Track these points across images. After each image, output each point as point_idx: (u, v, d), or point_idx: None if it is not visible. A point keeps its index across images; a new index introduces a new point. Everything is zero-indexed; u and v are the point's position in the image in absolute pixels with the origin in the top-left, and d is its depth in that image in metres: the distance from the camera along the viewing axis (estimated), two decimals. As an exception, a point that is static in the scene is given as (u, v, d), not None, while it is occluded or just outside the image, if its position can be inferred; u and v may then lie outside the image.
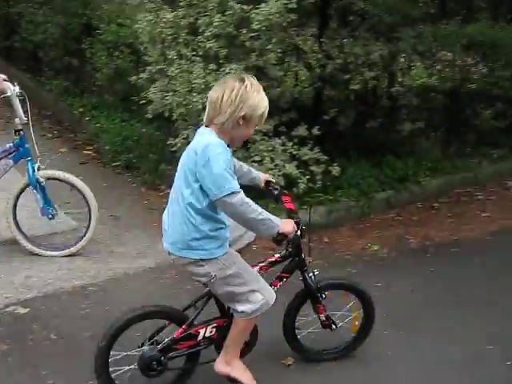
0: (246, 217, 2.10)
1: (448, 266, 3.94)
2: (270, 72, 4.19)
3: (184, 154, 2.25)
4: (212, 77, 3.94)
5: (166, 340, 2.34)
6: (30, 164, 3.62)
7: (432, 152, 5.65)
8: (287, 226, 2.20)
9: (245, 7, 3.87)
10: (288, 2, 3.82)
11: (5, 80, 3.54)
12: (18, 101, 3.53)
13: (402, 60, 5.31)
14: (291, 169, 4.13)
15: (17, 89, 3.55)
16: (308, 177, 4.29)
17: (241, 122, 2.12)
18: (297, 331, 2.70)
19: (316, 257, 3.97)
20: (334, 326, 2.68)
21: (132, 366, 2.37)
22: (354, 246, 4.28)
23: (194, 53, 4.17)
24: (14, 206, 3.70)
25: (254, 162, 4.02)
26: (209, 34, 4.00)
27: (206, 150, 2.07)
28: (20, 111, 3.54)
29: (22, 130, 3.61)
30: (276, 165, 4.10)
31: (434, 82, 5.85)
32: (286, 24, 4.02)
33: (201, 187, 2.12)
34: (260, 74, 3.93)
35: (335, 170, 4.36)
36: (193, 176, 2.12)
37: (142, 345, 2.37)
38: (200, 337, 2.38)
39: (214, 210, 2.18)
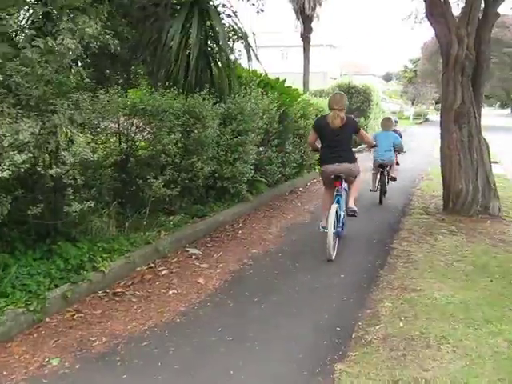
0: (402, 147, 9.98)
1: (142, 368, 3.65)
2: None
3: (382, 136, 9.23)
4: None
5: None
6: None
7: (107, 231, 5.40)
8: None
9: None
10: None
11: None
12: None
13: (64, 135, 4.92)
14: None
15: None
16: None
17: None
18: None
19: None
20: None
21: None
22: (30, 365, 3.61)
23: None
24: None
25: None
26: None
27: (396, 134, 9.72)
28: None
29: None
30: None
31: (100, 154, 5.65)
32: None
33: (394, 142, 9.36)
34: None
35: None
36: (392, 141, 9.26)
37: None
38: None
39: None
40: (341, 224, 6.43)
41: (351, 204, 6.28)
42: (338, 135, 6.09)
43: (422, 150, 18.30)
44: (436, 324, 4.24)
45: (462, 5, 10.45)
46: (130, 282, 5.12)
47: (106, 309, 4.54)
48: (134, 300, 4.75)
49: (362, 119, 18.57)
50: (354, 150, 6.64)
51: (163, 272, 5.45)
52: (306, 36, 20.96)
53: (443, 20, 7.86)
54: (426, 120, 48.54)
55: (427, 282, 5.22)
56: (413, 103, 53.80)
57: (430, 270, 5.59)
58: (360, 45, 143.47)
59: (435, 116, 55.07)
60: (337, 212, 6.10)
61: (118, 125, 6.01)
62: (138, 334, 4.10)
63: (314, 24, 20.92)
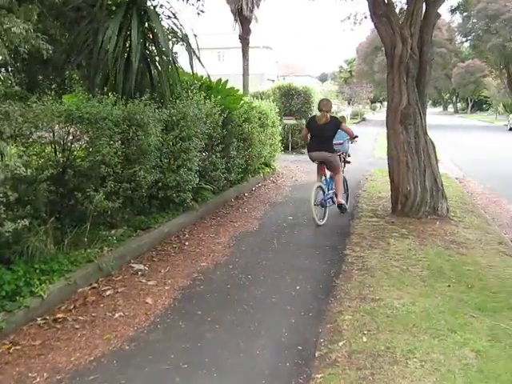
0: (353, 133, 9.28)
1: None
2: None
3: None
4: None
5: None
6: None
7: (45, 250, 4.96)
8: None
9: None
10: None
11: None
12: None
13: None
14: None
15: None
16: None
17: None
18: None
19: None
20: None
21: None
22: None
23: None
24: None
25: None
26: None
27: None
28: None
29: None
30: None
31: (34, 166, 5.19)
32: None
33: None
34: None
35: None
36: (345, 134, 8.74)
37: None
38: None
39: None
40: (327, 198, 8.16)
41: (340, 200, 8.26)
42: (322, 130, 7.89)
43: (363, 150, 18.46)
44: (400, 336, 4.09)
45: (401, 6, 10.56)
46: (71, 306, 4.71)
47: (47, 338, 4.13)
48: (76, 326, 4.35)
49: (304, 121, 18.46)
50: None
51: (108, 292, 5.07)
52: (244, 38, 20.76)
53: (387, 20, 7.82)
54: (363, 120, 49.43)
55: (385, 290, 5.08)
56: (349, 103, 54.66)
57: (386, 276, 5.47)
58: (296, 46, 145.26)
59: (371, 115, 56.32)
60: (322, 188, 8.03)
61: (53, 134, 5.57)
62: (84, 367, 3.73)
63: (252, 26, 20.78)
